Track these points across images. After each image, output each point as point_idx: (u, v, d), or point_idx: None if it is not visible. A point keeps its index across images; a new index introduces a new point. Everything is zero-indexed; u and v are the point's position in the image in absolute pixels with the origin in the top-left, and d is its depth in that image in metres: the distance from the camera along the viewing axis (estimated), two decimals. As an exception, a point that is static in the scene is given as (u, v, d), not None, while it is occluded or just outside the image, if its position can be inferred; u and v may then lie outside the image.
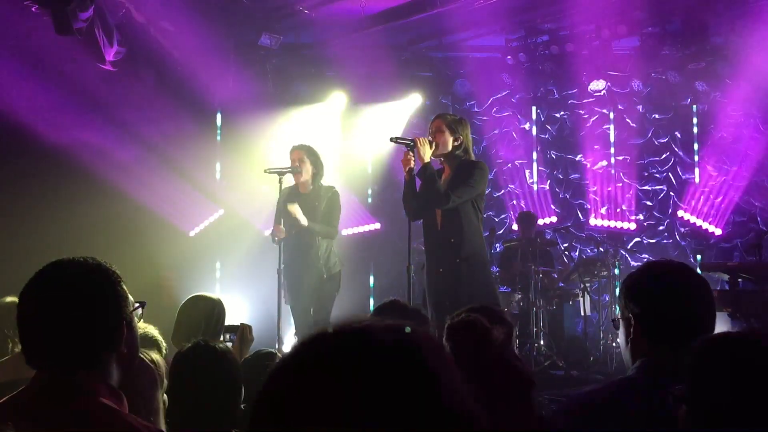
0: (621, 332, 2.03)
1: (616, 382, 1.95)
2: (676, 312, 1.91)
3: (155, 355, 2.62)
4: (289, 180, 6.16)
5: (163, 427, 2.29)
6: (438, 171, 4.93)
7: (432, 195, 4.75)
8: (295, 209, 5.80)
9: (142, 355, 2.25)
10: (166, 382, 2.44)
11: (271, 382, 0.81)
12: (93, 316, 1.65)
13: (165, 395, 2.43)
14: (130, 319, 1.73)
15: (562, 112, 9.69)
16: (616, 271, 8.25)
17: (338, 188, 6.15)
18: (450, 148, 4.84)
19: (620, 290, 2.05)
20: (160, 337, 2.87)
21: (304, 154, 5.99)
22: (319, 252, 5.89)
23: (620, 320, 2.03)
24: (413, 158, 4.82)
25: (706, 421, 1.48)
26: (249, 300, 8.45)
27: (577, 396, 2.02)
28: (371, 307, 8.15)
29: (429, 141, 4.81)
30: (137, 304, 1.77)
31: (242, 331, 3.63)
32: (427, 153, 4.76)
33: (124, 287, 1.72)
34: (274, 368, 0.82)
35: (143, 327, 2.70)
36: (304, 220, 5.81)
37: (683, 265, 2.04)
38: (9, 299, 3.43)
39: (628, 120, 9.36)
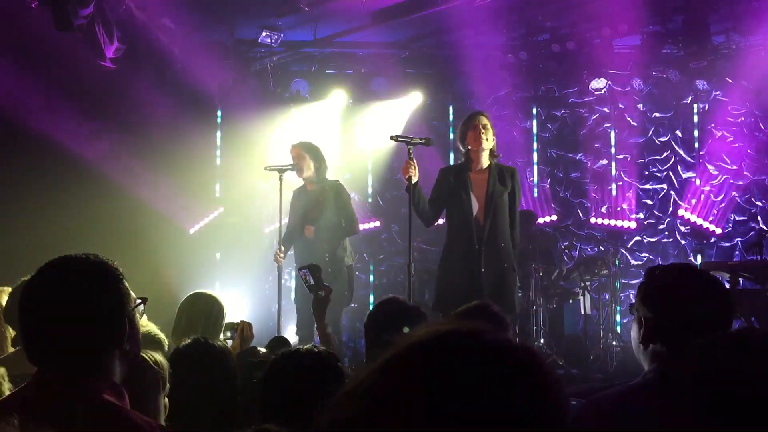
0: (634, 328, 2.08)
1: (633, 385, 1.97)
2: (689, 316, 1.95)
3: (159, 357, 2.57)
4: (292, 179, 6.16)
5: None
6: (462, 165, 4.98)
7: (521, 231, 4.96)
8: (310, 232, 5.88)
9: (145, 356, 2.22)
10: (168, 386, 2.40)
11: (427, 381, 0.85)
12: (95, 315, 1.64)
13: (166, 399, 2.38)
14: (132, 316, 1.72)
15: (562, 111, 9.66)
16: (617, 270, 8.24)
17: (339, 186, 6.14)
18: (492, 146, 4.91)
19: (637, 292, 2.10)
20: (162, 335, 2.75)
21: (303, 150, 5.99)
22: (324, 245, 5.84)
23: (635, 317, 2.07)
24: (414, 167, 4.74)
25: (710, 420, 1.47)
26: (248, 297, 8.45)
27: (604, 398, 2.03)
28: (371, 306, 8.14)
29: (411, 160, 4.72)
30: (138, 300, 1.76)
31: (242, 329, 3.63)
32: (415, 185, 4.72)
33: (126, 284, 1.71)
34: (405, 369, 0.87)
35: (145, 324, 2.64)
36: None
37: (694, 268, 2.06)
38: None
39: (628, 118, 9.34)
